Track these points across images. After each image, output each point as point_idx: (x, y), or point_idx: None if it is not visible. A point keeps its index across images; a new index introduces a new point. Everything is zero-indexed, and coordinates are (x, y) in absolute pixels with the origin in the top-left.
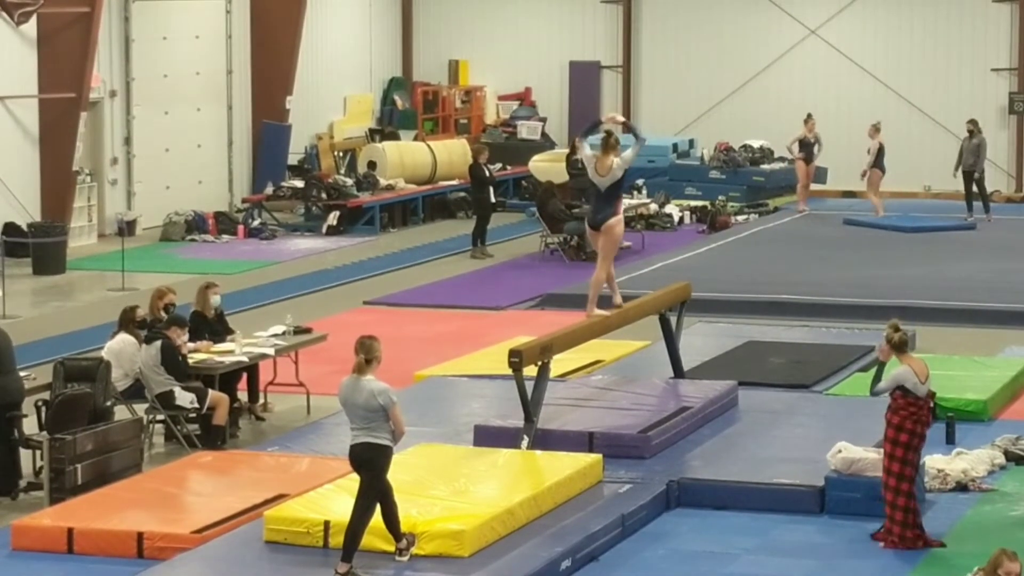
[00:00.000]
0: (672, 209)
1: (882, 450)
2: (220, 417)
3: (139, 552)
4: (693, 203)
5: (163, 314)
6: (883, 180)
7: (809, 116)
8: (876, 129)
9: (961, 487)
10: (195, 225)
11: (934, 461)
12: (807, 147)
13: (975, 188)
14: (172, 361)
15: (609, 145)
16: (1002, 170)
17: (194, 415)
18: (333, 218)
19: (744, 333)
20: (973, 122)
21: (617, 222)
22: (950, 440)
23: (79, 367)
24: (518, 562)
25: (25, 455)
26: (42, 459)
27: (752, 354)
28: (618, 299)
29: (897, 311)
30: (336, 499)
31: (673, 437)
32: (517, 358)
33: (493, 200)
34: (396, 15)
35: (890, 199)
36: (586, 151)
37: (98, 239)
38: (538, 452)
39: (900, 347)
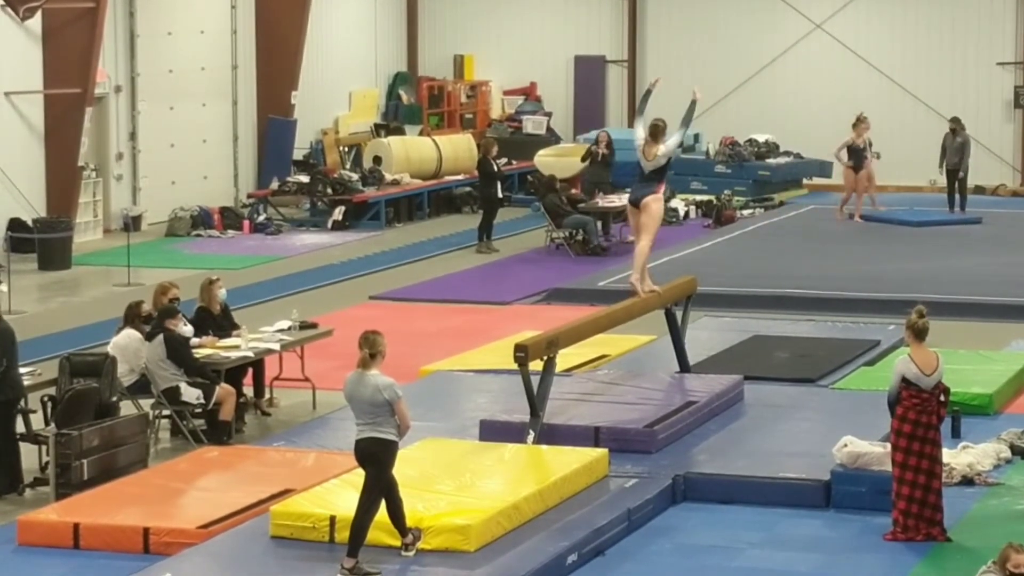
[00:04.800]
0: (677, 203)
1: (888, 444)
2: (226, 412)
3: (145, 547)
4: (698, 197)
5: None
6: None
7: (858, 120)
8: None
9: (967, 481)
10: (200, 220)
11: None
12: (856, 153)
13: (956, 185)
14: (180, 352)
15: (657, 133)
16: (1007, 164)
17: (200, 410)
18: (338, 213)
19: (750, 327)
20: (956, 120)
21: (654, 199)
22: (956, 434)
23: (85, 362)
24: (524, 557)
25: (31, 450)
26: (48, 454)
27: (758, 348)
28: (648, 284)
29: (903, 305)
30: (342, 494)
31: (679, 431)
32: (523, 353)
33: (500, 195)
34: (401, 10)
35: (895, 193)
36: (638, 133)
37: (103, 234)
38: (544, 447)
39: (917, 334)
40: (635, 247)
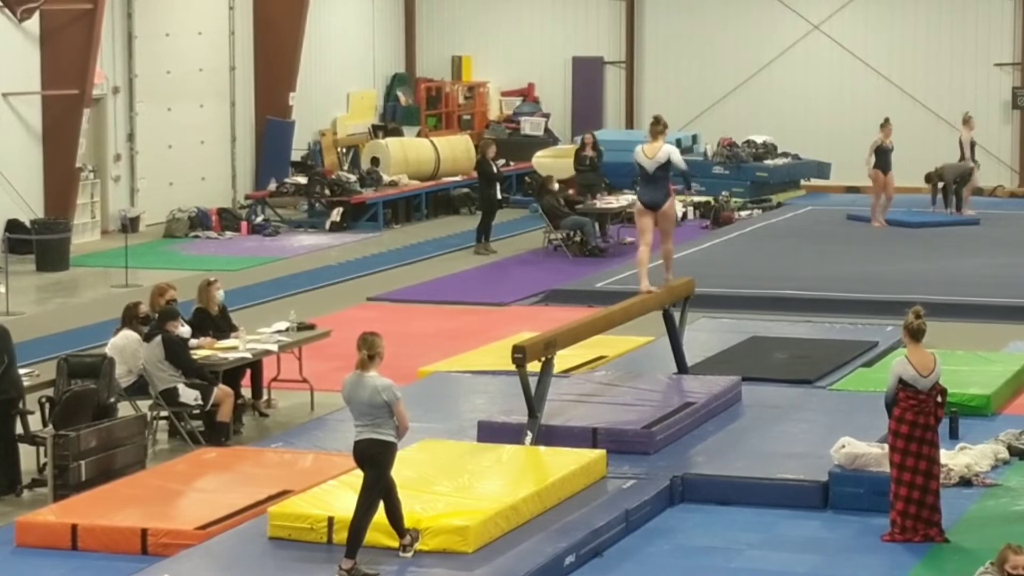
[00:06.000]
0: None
1: (886, 445)
2: (224, 413)
3: (143, 548)
4: (696, 199)
5: None
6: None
7: (887, 120)
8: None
9: (965, 482)
10: (198, 222)
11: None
12: (883, 155)
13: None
14: (178, 354)
15: (657, 131)
16: (1005, 165)
17: (198, 411)
18: (336, 214)
19: (748, 328)
20: (935, 174)
21: (671, 205)
22: (953, 435)
23: (83, 364)
24: (522, 558)
25: (29, 452)
26: (46, 456)
27: (756, 349)
28: (646, 285)
29: (900, 306)
30: (340, 495)
31: (677, 433)
32: (521, 354)
33: (499, 196)
34: (399, 11)
35: (894, 194)
36: (635, 149)
37: (101, 236)
38: (542, 448)
39: (913, 335)
40: (640, 249)
